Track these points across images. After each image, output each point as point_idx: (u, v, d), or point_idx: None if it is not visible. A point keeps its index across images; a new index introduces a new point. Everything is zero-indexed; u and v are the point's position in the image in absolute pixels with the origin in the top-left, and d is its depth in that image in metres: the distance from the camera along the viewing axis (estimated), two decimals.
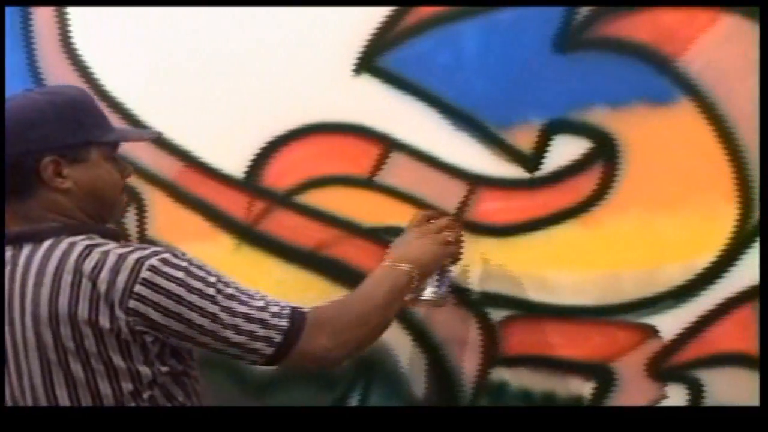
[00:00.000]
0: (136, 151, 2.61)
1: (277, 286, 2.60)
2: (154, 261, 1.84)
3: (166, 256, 1.86)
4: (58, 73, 2.83)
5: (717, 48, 2.18)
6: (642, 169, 2.30)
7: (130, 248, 1.87)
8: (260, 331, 1.88)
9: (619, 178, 2.32)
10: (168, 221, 2.79)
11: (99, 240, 1.91)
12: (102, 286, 1.82)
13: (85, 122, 1.98)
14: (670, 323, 2.30)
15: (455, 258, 2.32)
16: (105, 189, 2.00)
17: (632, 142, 2.30)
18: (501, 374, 2.46)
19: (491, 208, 2.45)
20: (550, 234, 2.39)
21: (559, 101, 2.34)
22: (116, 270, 1.82)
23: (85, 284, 1.83)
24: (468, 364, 2.49)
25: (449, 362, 2.51)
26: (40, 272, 1.87)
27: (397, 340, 2.54)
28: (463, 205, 2.45)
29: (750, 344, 2.22)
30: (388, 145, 2.52)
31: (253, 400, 2.70)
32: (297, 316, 1.92)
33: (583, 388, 2.38)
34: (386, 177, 2.54)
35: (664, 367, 2.30)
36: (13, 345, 1.90)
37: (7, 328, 1.90)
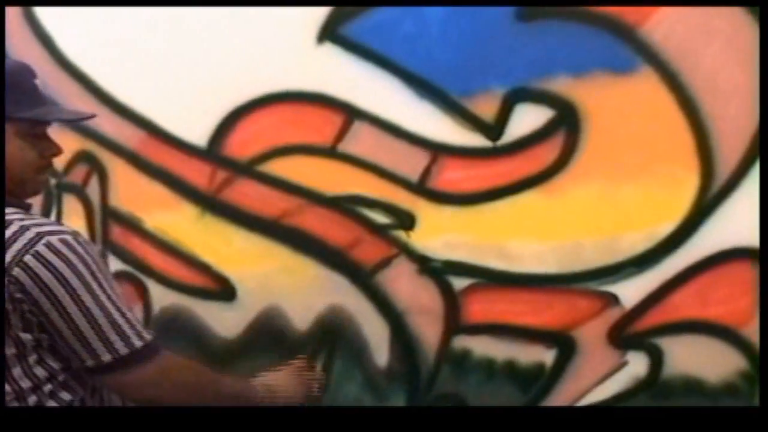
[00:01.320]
0: (97, 120, 2.58)
1: (240, 255, 2.60)
2: (52, 238, 1.84)
3: (67, 237, 1.86)
4: (19, 44, 2.79)
5: (678, 17, 2.18)
6: (604, 137, 2.31)
7: (34, 221, 1.88)
8: (112, 336, 1.86)
9: (581, 147, 2.33)
10: (130, 191, 2.77)
11: (9, 210, 1.91)
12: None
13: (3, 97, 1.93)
14: (631, 291, 2.31)
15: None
16: (11, 166, 1.95)
17: (594, 110, 2.30)
18: (463, 342, 2.47)
19: (453, 176, 2.45)
20: (512, 202, 2.40)
21: (521, 70, 2.34)
22: (14, 238, 1.83)
23: None
24: (430, 332, 2.50)
25: (411, 330, 2.51)
26: None
27: (359, 309, 2.54)
28: (425, 173, 2.44)
29: (710, 311, 2.23)
30: (350, 113, 2.52)
31: (219, 367, 2.69)
32: (152, 346, 1.91)
33: (545, 356, 2.39)
34: (349, 146, 2.54)
35: (625, 334, 2.32)
36: None
37: None
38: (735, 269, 2.22)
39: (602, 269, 2.33)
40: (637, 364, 2.32)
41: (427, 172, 2.47)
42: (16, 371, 1.89)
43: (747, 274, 2.20)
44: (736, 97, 2.16)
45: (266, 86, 2.56)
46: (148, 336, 1.91)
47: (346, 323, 2.56)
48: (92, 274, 1.86)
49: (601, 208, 2.32)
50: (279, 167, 2.60)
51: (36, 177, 2.02)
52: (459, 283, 2.47)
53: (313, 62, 2.50)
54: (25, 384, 1.89)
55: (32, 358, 1.89)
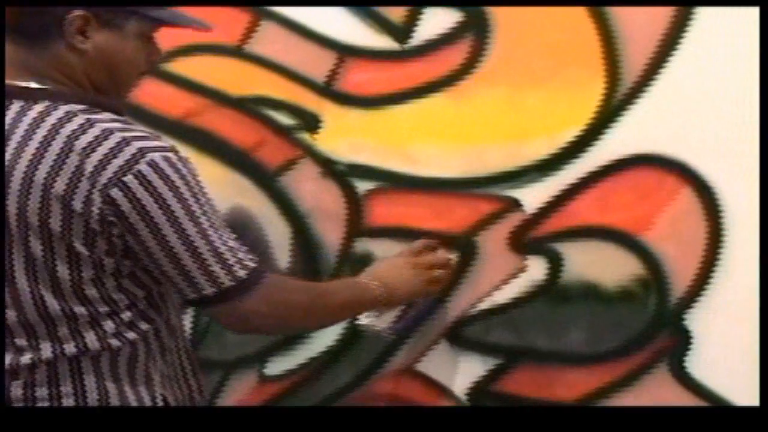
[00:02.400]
0: None
1: None
2: (156, 156, 1.71)
3: (170, 155, 1.73)
4: None
5: None
6: (511, 42, 2.29)
7: (135, 133, 1.74)
8: (215, 268, 1.76)
9: (488, 51, 2.31)
10: None
11: (100, 115, 1.76)
12: (89, 166, 1.69)
13: None
14: (533, 196, 2.30)
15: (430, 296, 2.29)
16: (123, 64, 1.84)
17: (502, 15, 2.28)
18: (365, 245, 2.46)
19: (360, 78, 2.42)
20: (418, 106, 2.38)
21: None
22: (114, 153, 1.69)
23: (72, 159, 1.69)
24: (332, 235, 2.49)
25: (314, 233, 2.49)
26: (27, 136, 1.73)
27: (261, 210, 2.52)
28: (332, 75, 2.41)
29: (610, 217, 2.24)
30: (257, 13, 2.48)
31: None
32: (256, 274, 1.81)
33: None
34: (255, 46, 2.50)
35: (526, 239, 2.31)
36: None
37: None
38: (637, 176, 2.23)
39: (505, 174, 2.32)
40: (536, 269, 2.31)
41: (333, 74, 2.44)
42: (92, 293, 1.78)
43: (648, 180, 2.21)
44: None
45: None
46: (251, 264, 1.81)
47: (248, 223, 2.53)
48: (195, 198, 1.75)
49: (506, 112, 2.31)
50: (184, 67, 2.55)
51: (137, 81, 1.92)
52: (363, 186, 2.45)
53: None
54: (103, 308, 1.80)
55: (110, 284, 1.79)
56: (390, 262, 2.20)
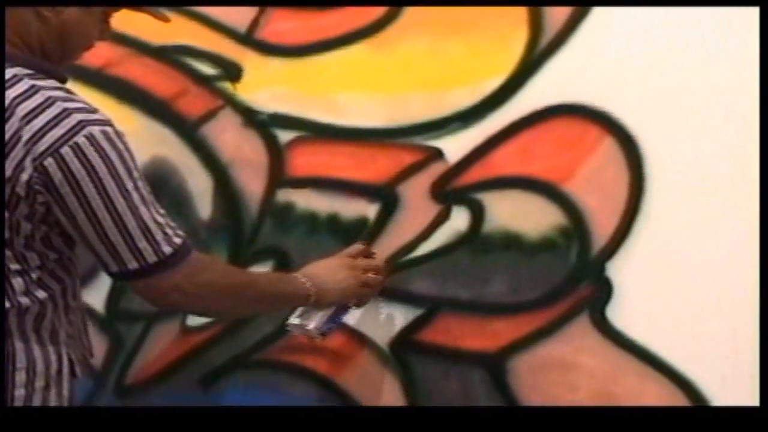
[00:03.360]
0: None
1: None
2: (95, 129, 1.71)
3: (108, 128, 1.74)
4: None
5: None
6: None
7: (76, 104, 1.74)
8: (141, 243, 1.77)
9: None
10: None
11: (45, 82, 1.77)
12: (26, 134, 1.69)
13: None
14: (455, 146, 2.29)
15: (361, 303, 2.27)
16: (79, 38, 1.88)
17: None
18: (287, 195, 2.44)
19: (282, 28, 2.41)
20: (340, 55, 2.37)
21: None
22: (53, 123, 1.70)
23: (11, 124, 1.70)
24: (254, 185, 2.47)
25: (235, 183, 2.47)
26: None
27: (182, 160, 2.49)
28: (253, 24, 2.38)
29: (534, 167, 2.24)
30: None
31: None
32: (182, 251, 1.82)
33: (368, 210, 2.37)
34: None
35: (448, 188, 2.30)
36: None
37: None
38: (559, 126, 2.22)
39: (428, 124, 2.31)
40: (458, 219, 2.30)
41: (255, 23, 2.42)
42: (8, 254, 1.77)
43: (571, 130, 2.21)
44: None
45: None
46: (178, 240, 1.82)
47: (169, 174, 2.50)
48: (129, 173, 1.75)
49: (428, 62, 2.30)
50: None
51: (81, 54, 1.95)
52: (284, 135, 2.43)
53: None
54: (14, 266, 1.78)
55: (22, 244, 1.78)
56: (325, 263, 2.19)
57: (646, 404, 2.15)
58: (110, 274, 1.82)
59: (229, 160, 2.47)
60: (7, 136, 1.69)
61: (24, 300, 1.81)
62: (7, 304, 1.79)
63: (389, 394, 2.38)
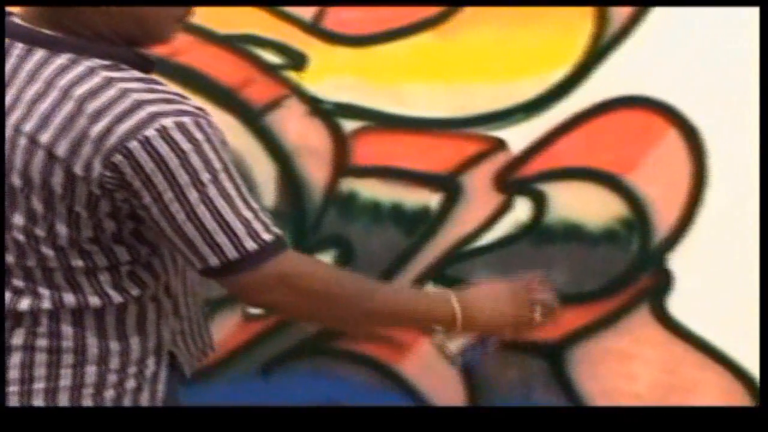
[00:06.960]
0: None
1: None
2: (167, 121, 1.58)
3: (185, 119, 1.60)
4: None
5: None
6: None
7: (153, 95, 1.62)
8: (219, 238, 1.64)
9: None
10: None
11: (123, 73, 1.64)
12: (95, 129, 1.59)
13: None
14: (519, 136, 2.31)
15: (517, 337, 1.97)
16: (151, 15, 1.70)
17: None
18: (351, 184, 2.46)
19: (348, 17, 2.41)
20: (406, 44, 2.37)
21: None
22: (122, 117, 1.58)
23: (81, 122, 1.59)
24: (318, 173, 2.48)
25: (300, 172, 2.49)
26: (49, 85, 1.63)
27: (248, 148, 2.51)
28: (319, 13, 2.40)
29: (596, 159, 2.24)
30: None
31: None
32: (270, 248, 1.67)
33: (431, 199, 2.39)
34: None
35: (511, 179, 2.31)
36: None
37: None
38: (623, 117, 2.23)
39: (492, 114, 2.32)
40: (521, 209, 2.32)
41: (321, 12, 2.42)
42: (90, 248, 1.70)
43: (635, 122, 2.21)
44: None
45: None
46: (267, 236, 1.66)
47: (234, 163, 2.52)
48: (206, 163, 1.61)
49: (494, 52, 2.31)
50: None
51: (174, 26, 1.78)
52: (349, 125, 2.44)
53: None
54: (102, 262, 1.71)
55: (109, 241, 1.70)
56: (488, 289, 1.95)
57: (704, 396, 2.15)
58: (199, 272, 1.70)
59: (294, 148, 2.49)
60: (73, 134, 1.60)
61: (116, 297, 1.75)
62: (100, 302, 1.75)
63: (449, 381, 2.39)
